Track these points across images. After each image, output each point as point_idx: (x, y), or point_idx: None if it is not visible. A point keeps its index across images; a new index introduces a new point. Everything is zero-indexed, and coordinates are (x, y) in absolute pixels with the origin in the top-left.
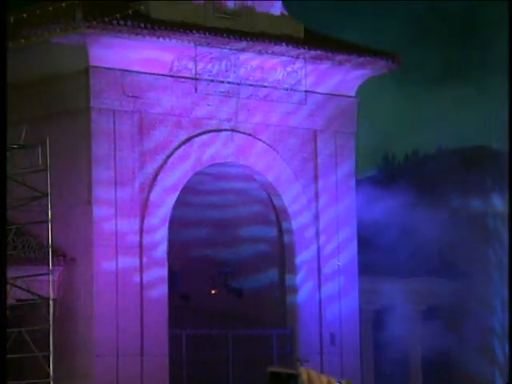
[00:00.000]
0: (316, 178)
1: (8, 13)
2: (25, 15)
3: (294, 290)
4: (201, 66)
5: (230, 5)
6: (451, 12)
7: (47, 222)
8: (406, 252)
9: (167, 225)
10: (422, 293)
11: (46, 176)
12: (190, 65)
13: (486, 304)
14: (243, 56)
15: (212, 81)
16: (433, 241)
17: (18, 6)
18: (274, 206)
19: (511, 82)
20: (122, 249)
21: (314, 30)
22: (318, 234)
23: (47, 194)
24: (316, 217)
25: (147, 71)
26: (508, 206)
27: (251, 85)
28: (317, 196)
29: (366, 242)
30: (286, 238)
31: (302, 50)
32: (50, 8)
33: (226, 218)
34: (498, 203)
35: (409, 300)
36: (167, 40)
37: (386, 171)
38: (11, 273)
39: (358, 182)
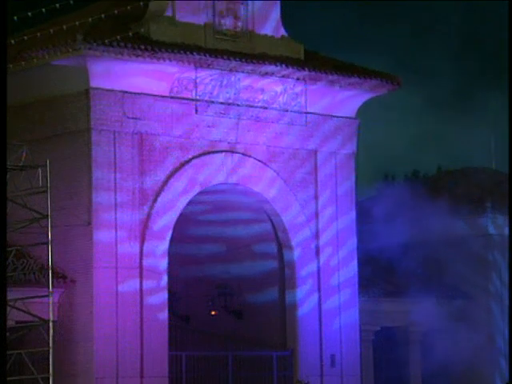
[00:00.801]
0: (316, 197)
1: (9, 36)
2: (26, 38)
3: (294, 310)
4: (201, 87)
5: (230, 26)
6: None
7: (47, 243)
8: (405, 272)
9: (167, 246)
10: (421, 314)
11: (47, 198)
12: (190, 86)
13: (486, 322)
14: (243, 77)
15: (212, 102)
16: (432, 261)
17: (19, 28)
18: (273, 226)
19: (511, 104)
20: (122, 270)
21: (314, 51)
22: (318, 255)
23: (47, 215)
24: (316, 237)
25: (147, 92)
26: (509, 226)
27: (251, 106)
28: (317, 216)
29: (366, 261)
30: (286, 258)
31: (302, 72)
32: (51, 30)
33: (226, 238)
34: (499, 224)
35: (409, 320)
36: (167, 61)
37: (385, 191)
38: (11, 295)
39: (359, 202)
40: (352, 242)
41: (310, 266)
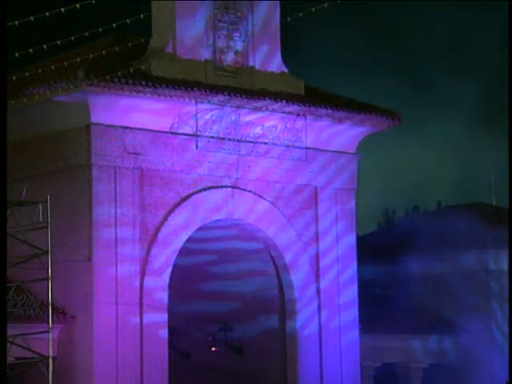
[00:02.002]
0: (317, 233)
1: (10, 72)
2: (27, 74)
3: (295, 346)
4: (201, 122)
5: (231, 62)
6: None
7: (47, 279)
8: (405, 309)
9: (167, 282)
10: (422, 350)
11: (47, 233)
12: (191, 122)
13: (486, 360)
14: (244, 113)
15: (212, 137)
16: (432, 297)
17: (20, 65)
18: (274, 262)
19: (511, 139)
20: (122, 306)
21: (314, 87)
22: (318, 292)
23: (47, 251)
24: (317, 273)
25: (148, 128)
26: (508, 262)
27: (252, 142)
28: (317, 251)
29: (366, 297)
30: (286, 295)
31: (302, 107)
32: (53, 67)
33: (227, 274)
34: (499, 259)
35: (409, 357)
36: (168, 97)
37: (386, 227)
38: (11, 331)
39: (359, 237)
40: (353, 282)
41: (310, 303)
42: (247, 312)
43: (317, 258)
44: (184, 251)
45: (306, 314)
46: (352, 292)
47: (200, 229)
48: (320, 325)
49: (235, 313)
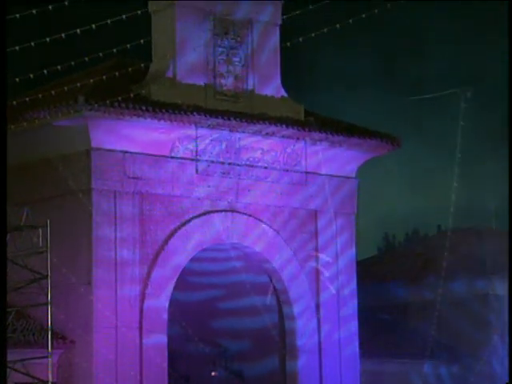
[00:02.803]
0: (317, 257)
1: (11, 97)
2: (27, 99)
3: (295, 375)
4: (201, 147)
5: (231, 87)
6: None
7: (47, 304)
8: (405, 334)
9: (167, 306)
10: (422, 376)
11: (47, 258)
12: (191, 146)
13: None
14: (243, 137)
15: (212, 162)
16: (433, 321)
17: (20, 90)
18: (274, 287)
19: (511, 159)
20: (122, 330)
21: (313, 112)
22: (319, 321)
23: (47, 276)
24: (317, 297)
25: (148, 152)
26: (508, 287)
27: (251, 166)
28: (317, 277)
29: (366, 321)
30: (286, 323)
31: (301, 132)
32: (53, 92)
33: (227, 300)
34: (499, 284)
35: (409, 382)
36: (168, 122)
37: (386, 251)
38: (10, 356)
39: (359, 262)
40: (353, 303)
41: (311, 333)
42: (248, 340)
43: (317, 280)
44: (184, 277)
45: (307, 341)
46: (352, 316)
47: (199, 253)
48: (320, 350)
49: (236, 342)
